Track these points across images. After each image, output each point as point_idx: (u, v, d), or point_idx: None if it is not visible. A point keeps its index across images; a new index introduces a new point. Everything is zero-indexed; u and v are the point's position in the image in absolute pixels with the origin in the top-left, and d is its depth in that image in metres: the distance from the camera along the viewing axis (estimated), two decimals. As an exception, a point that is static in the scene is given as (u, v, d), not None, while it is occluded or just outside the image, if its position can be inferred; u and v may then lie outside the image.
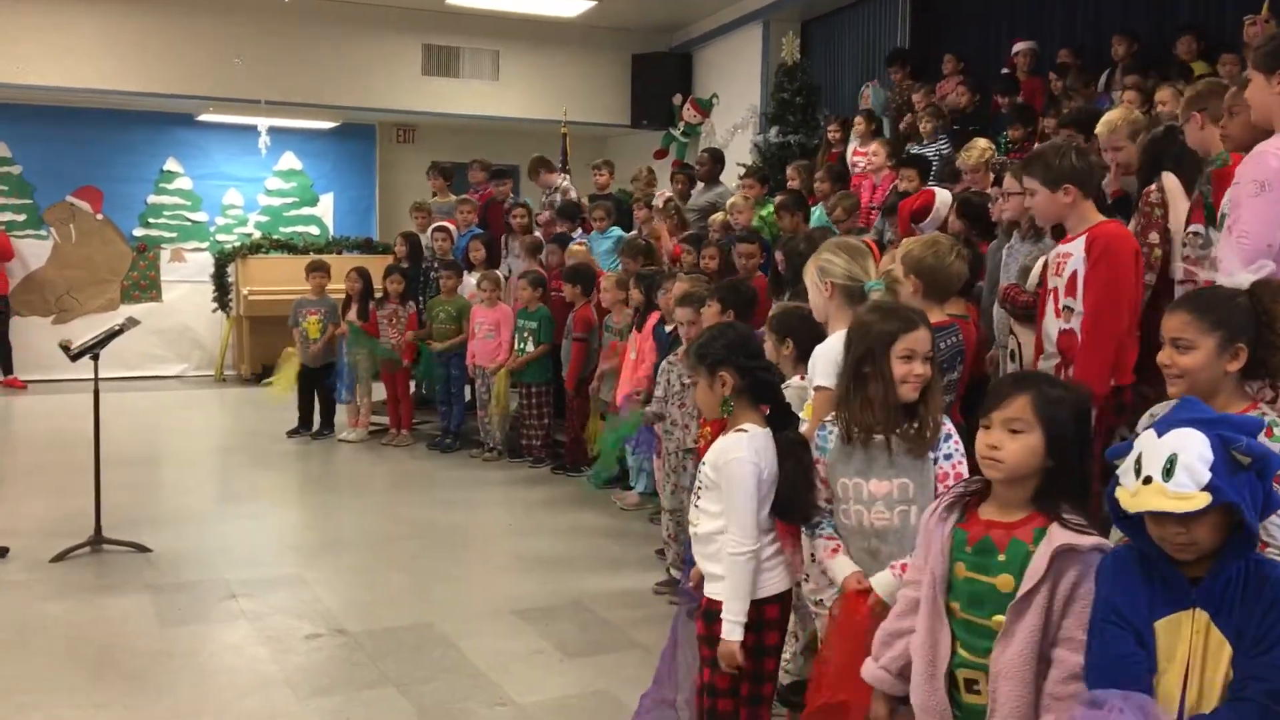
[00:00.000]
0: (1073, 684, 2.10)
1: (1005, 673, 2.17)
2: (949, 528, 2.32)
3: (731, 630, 2.87)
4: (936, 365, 2.93)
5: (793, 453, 2.97)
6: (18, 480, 7.67)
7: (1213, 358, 2.44)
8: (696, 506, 3.03)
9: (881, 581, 2.80)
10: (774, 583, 2.96)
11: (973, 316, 4.48)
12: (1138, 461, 1.97)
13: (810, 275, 3.67)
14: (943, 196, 5.86)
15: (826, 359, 3.59)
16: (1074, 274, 3.76)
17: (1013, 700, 2.16)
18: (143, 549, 5.70)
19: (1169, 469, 1.91)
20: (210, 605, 5.01)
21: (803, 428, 3.69)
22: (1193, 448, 1.91)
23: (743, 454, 2.90)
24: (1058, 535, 2.16)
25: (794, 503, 2.96)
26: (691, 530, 3.05)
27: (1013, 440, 2.22)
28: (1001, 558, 2.23)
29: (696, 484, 3.04)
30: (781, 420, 3.04)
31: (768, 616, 2.94)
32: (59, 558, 5.53)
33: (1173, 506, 1.89)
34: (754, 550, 2.88)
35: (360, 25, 12.26)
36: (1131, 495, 1.96)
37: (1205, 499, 1.87)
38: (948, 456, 2.84)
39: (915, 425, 2.85)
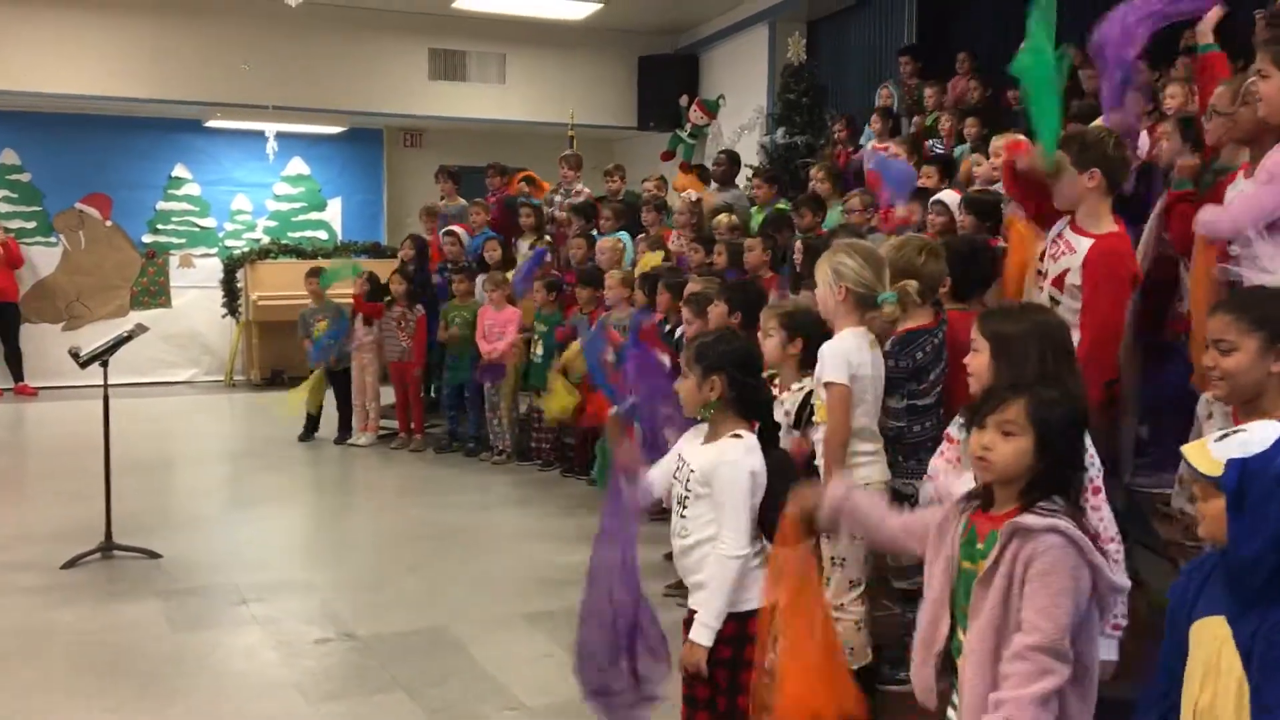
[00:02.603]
0: (1016, 663, 2.10)
1: (970, 650, 2.20)
2: (964, 519, 2.33)
3: (700, 633, 2.81)
4: (969, 360, 2.81)
5: (780, 471, 2.90)
6: (29, 486, 7.69)
7: (1255, 359, 2.41)
8: (682, 518, 2.93)
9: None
10: (758, 596, 2.84)
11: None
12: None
13: (823, 273, 3.66)
14: (950, 197, 5.84)
15: (837, 355, 3.58)
16: (1065, 272, 3.75)
17: (974, 679, 2.18)
18: (153, 555, 5.71)
19: (1225, 436, 1.88)
20: (220, 610, 5.01)
21: (818, 432, 3.69)
22: (1257, 434, 1.86)
23: (738, 458, 2.85)
24: (1019, 518, 2.17)
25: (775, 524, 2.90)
26: (680, 543, 2.94)
27: (1004, 442, 2.23)
28: (980, 546, 2.25)
29: (682, 492, 2.94)
30: (769, 438, 2.97)
31: (750, 630, 2.82)
32: (70, 564, 5.54)
33: (1192, 456, 1.86)
34: (745, 555, 2.82)
35: (367, 30, 12.29)
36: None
37: (1216, 470, 1.83)
38: None
39: None
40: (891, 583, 4.15)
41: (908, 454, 3.84)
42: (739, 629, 2.84)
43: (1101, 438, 3.53)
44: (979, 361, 2.74)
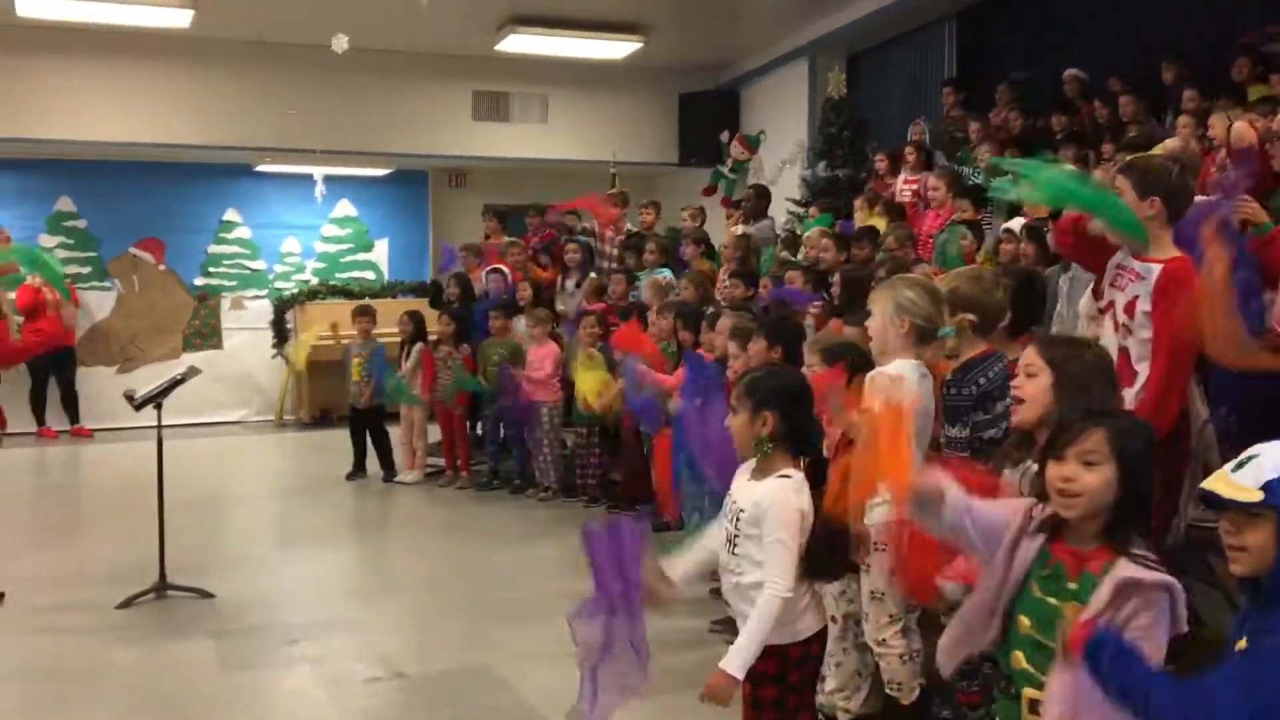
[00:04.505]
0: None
1: (1057, 696, 2.14)
2: (1037, 544, 2.27)
3: (733, 663, 2.76)
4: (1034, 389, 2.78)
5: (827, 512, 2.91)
6: (85, 527, 7.81)
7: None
8: (733, 554, 2.94)
9: None
10: (804, 627, 2.92)
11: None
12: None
13: (884, 306, 3.62)
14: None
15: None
16: (1135, 299, 3.71)
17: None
18: (206, 594, 5.77)
19: (1242, 463, 1.91)
20: (271, 650, 5.06)
21: None
22: (1274, 453, 1.90)
23: (789, 498, 2.86)
24: (1124, 569, 2.13)
25: (821, 562, 2.90)
26: (734, 580, 2.94)
27: (1088, 473, 2.18)
28: (1072, 585, 2.20)
29: (731, 530, 2.95)
30: (818, 474, 2.96)
31: (792, 656, 2.89)
32: (125, 604, 5.62)
33: (1223, 490, 1.89)
34: (791, 596, 2.82)
35: (411, 74, 12.47)
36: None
37: (1255, 495, 1.85)
38: None
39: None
40: (940, 618, 4.10)
41: None
42: (782, 663, 2.85)
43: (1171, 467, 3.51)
44: (1037, 386, 2.72)
